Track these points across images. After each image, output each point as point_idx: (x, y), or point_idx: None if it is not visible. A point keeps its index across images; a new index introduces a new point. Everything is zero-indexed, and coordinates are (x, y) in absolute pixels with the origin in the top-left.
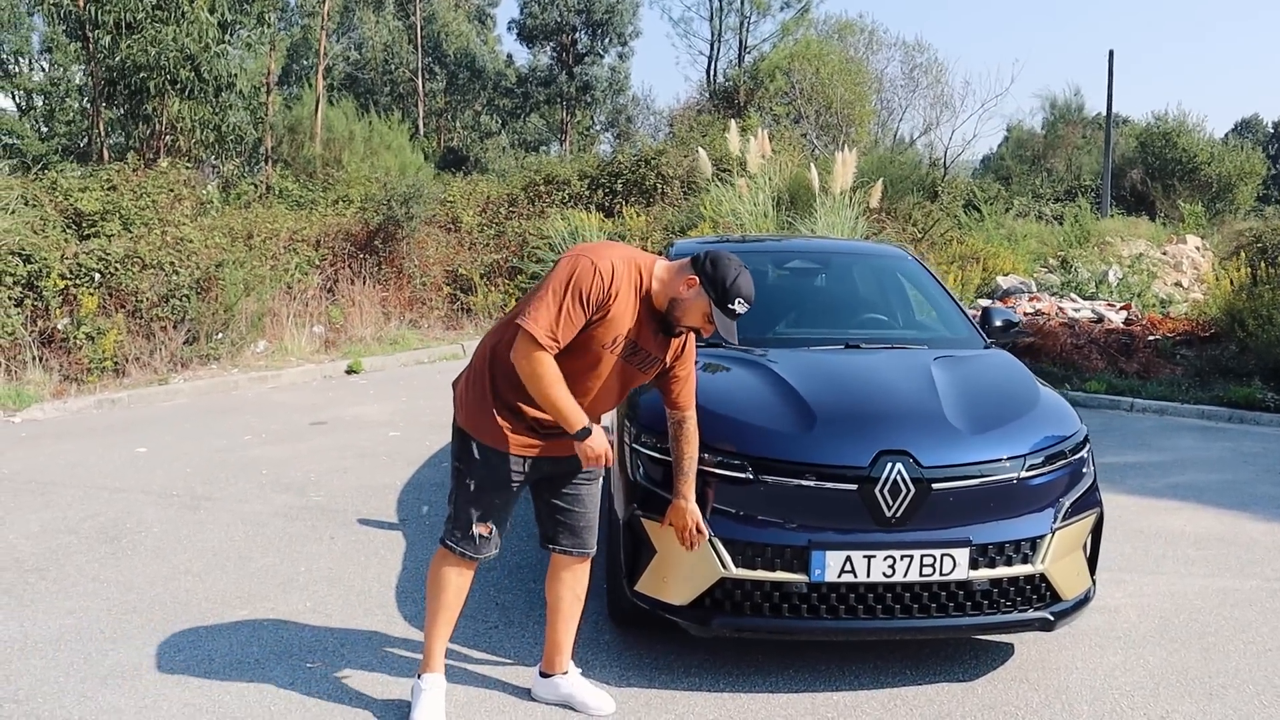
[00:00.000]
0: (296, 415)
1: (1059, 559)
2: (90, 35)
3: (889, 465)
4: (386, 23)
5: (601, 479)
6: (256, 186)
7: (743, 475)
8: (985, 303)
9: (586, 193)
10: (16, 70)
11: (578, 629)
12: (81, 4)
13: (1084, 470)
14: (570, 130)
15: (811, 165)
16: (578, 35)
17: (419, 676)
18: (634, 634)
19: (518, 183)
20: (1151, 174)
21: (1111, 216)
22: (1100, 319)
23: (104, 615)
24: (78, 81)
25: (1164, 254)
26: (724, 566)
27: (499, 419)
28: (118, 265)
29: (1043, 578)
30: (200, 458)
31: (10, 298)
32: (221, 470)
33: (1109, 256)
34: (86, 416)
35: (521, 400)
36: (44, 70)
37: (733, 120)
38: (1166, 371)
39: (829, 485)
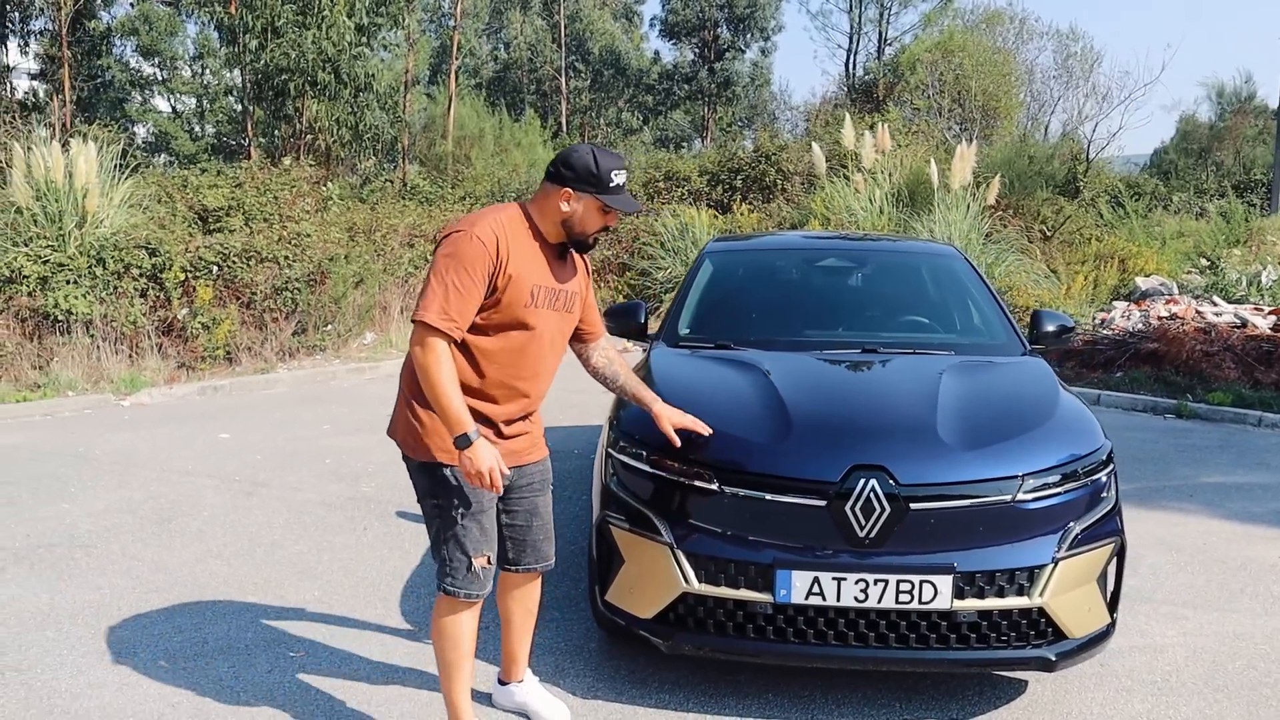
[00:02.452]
0: (381, 407)
1: (1063, 592)
2: (240, 40)
3: (862, 481)
4: (531, 22)
5: (551, 486)
6: (393, 183)
7: (709, 485)
8: (1040, 308)
9: (706, 189)
10: (169, 75)
11: (571, 631)
12: (234, 10)
13: (1102, 494)
14: (711, 126)
15: (931, 160)
16: (720, 30)
17: None
18: (622, 645)
19: (638, 179)
20: None
21: None
22: (1243, 324)
23: (128, 593)
24: (227, 84)
25: None
26: (686, 581)
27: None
28: (235, 259)
29: (1041, 612)
30: (274, 445)
31: (135, 289)
32: (289, 458)
33: (1265, 256)
34: (188, 402)
35: (471, 399)
36: (197, 75)
37: (848, 114)
38: None
39: (796, 500)
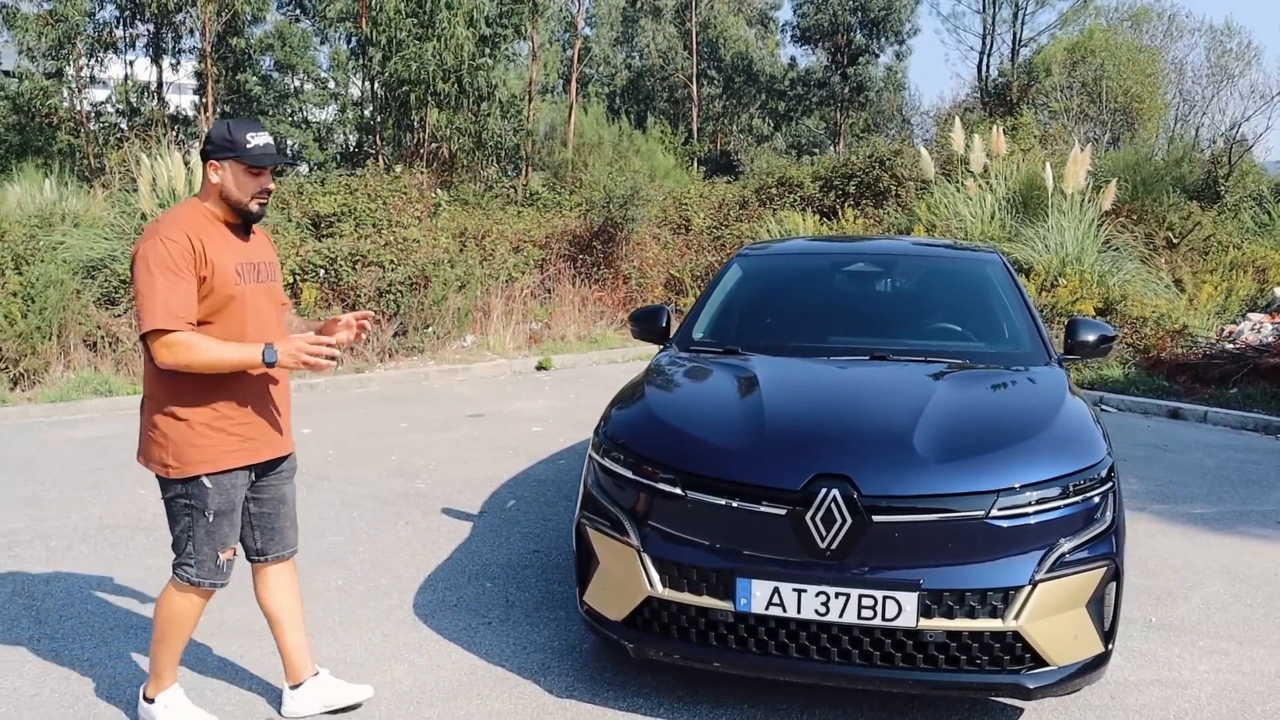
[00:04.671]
0: (461, 406)
1: (1043, 616)
2: (368, 54)
3: (824, 490)
4: (664, 29)
5: (295, 475)
6: (515, 190)
7: (673, 490)
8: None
9: (819, 195)
10: (301, 88)
11: (567, 632)
12: (365, 25)
13: (1096, 515)
14: (844, 132)
15: (1046, 165)
16: (853, 35)
17: (150, 700)
18: (610, 648)
19: (752, 185)
20: None
21: None
22: None
23: (168, 573)
24: (355, 95)
25: None
26: (651, 585)
27: (217, 435)
28: (341, 262)
29: (1017, 636)
30: (349, 441)
31: None
32: (357, 453)
33: None
34: None
35: (216, 402)
36: (328, 87)
37: (956, 118)
38: None
39: (757, 507)
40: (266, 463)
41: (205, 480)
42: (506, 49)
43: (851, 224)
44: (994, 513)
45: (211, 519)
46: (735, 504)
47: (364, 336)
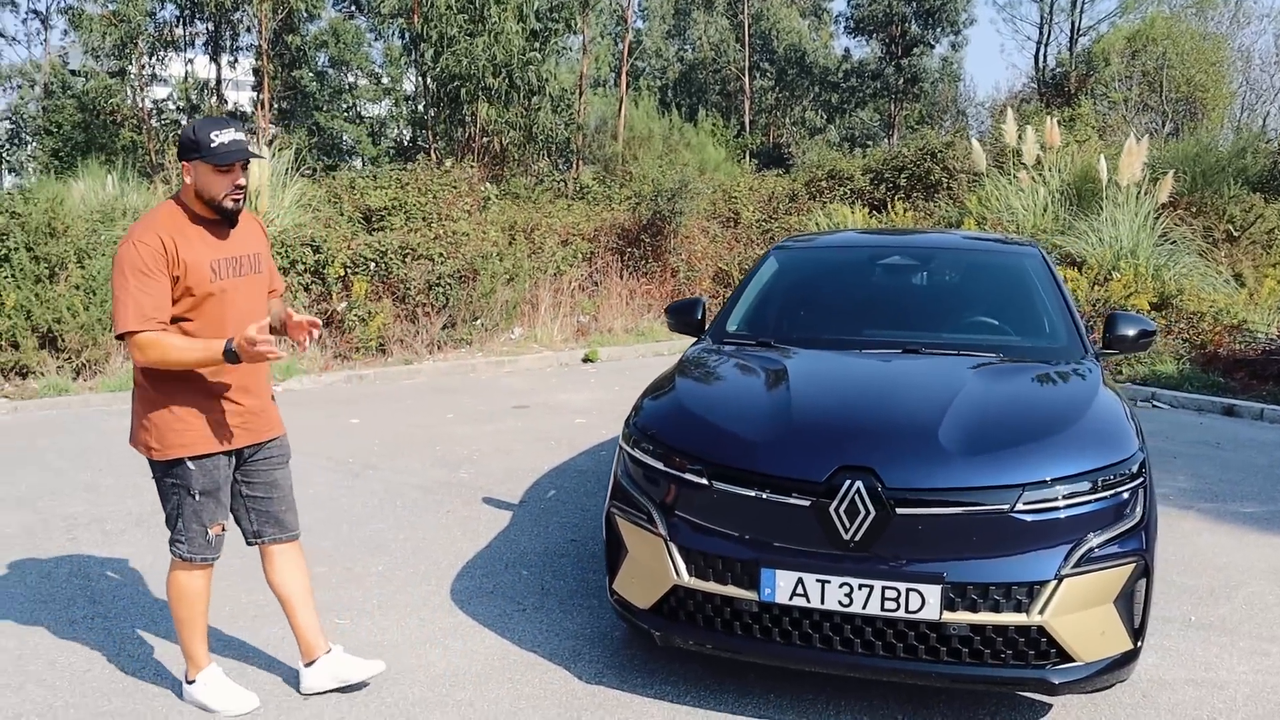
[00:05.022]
0: (507, 398)
1: (1069, 611)
2: (420, 49)
3: (848, 482)
4: (716, 22)
5: (289, 461)
6: (566, 184)
7: (700, 480)
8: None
9: (869, 188)
10: (353, 83)
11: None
12: (417, 22)
13: (1126, 511)
14: (898, 124)
15: (1101, 157)
16: (908, 25)
17: (191, 682)
18: (640, 636)
19: (801, 178)
20: None
21: None
22: None
23: None
24: (407, 91)
25: None
26: (677, 574)
27: (197, 422)
28: (392, 255)
29: (1042, 631)
30: (396, 431)
31: (300, 283)
32: (403, 443)
33: None
34: (334, 390)
35: (195, 390)
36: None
37: (1008, 109)
38: None
39: (782, 499)
40: (250, 447)
41: (189, 463)
42: (556, 43)
43: (901, 217)
44: (1019, 506)
45: (198, 498)
46: (761, 495)
47: (306, 342)
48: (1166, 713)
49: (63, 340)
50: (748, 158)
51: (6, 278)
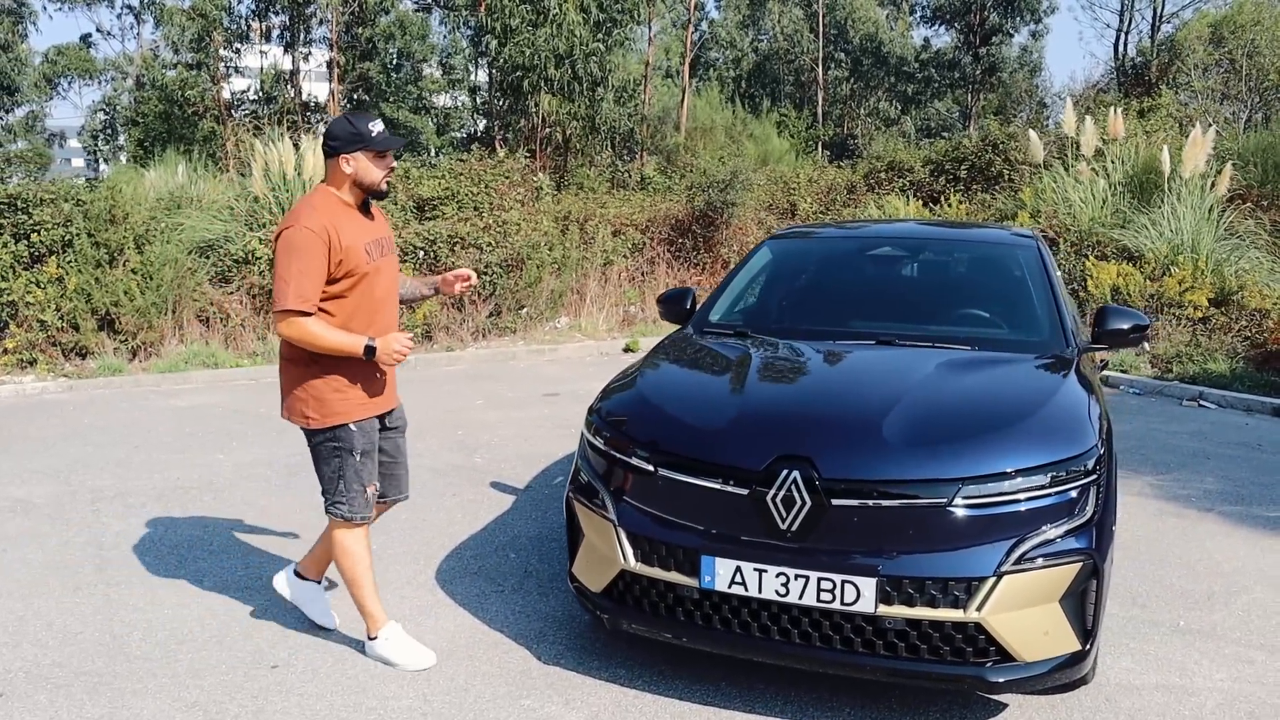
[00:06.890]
0: (541, 386)
1: (1009, 609)
2: (484, 41)
3: (785, 471)
4: (790, 12)
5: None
6: (629, 174)
7: (646, 467)
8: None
9: (929, 179)
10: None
11: (573, 604)
12: (483, 14)
13: (1076, 508)
14: (975, 115)
15: (1164, 148)
16: (987, 14)
17: (373, 638)
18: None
19: (861, 169)
20: None
21: None
22: None
23: (223, 532)
24: (471, 82)
25: None
26: (625, 559)
27: (353, 390)
28: (440, 244)
29: (979, 628)
30: (425, 415)
31: None
32: (429, 428)
33: None
34: None
35: (346, 366)
36: (449, 74)
37: (1069, 99)
38: None
39: (721, 486)
40: (386, 414)
41: (351, 425)
42: (620, 34)
43: (955, 209)
44: (958, 500)
45: (359, 459)
46: (702, 482)
47: (461, 290)
48: (1125, 717)
49: (119, 322)
50: (820, 149)
51: (69, 262)
